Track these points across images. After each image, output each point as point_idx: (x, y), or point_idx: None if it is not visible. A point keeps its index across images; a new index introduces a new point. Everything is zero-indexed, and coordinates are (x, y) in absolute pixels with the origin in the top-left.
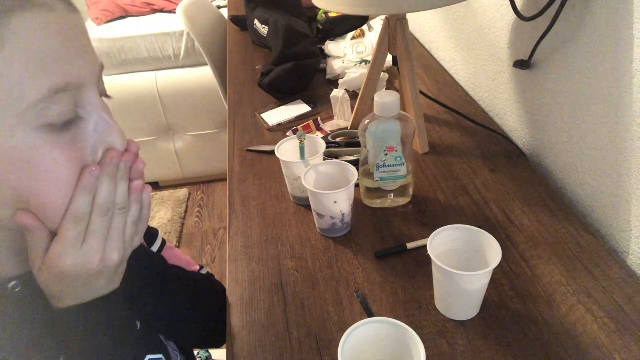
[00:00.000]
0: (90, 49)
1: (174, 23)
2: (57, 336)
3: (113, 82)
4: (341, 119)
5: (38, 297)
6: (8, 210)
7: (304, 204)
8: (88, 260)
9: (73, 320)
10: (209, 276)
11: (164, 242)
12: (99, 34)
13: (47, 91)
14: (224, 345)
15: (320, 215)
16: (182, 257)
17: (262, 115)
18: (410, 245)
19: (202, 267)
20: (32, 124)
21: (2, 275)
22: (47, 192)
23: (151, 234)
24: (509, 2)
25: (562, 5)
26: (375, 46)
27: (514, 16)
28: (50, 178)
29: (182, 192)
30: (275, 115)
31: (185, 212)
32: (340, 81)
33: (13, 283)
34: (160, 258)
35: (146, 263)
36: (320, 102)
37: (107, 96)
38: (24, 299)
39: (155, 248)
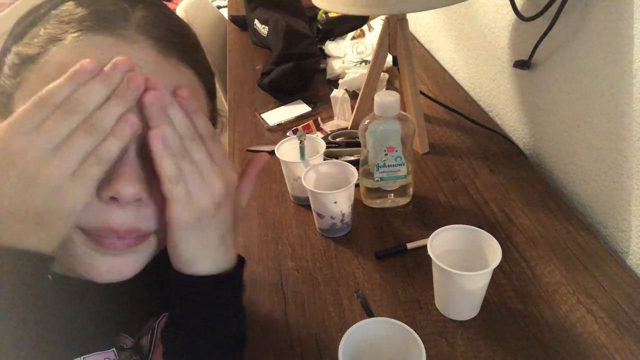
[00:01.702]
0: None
1: None
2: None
3: None
4: (341, 119)
5: (65, 294)
6: None
7: (304, 204)
8: (196, 202)
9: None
10: None
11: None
12: None
13: None
14: None
15: (320, 215)
16: None
17: (262, 115)
18: (410, 245)
19: None
20: None
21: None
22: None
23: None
24: (509, 2)
25: (562, 5)
26: (375, 46)
27: (514, 16)
28: None
29: None
30: (275, 115)
31: None
32: (340, 81)
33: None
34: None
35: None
36: (320, 102)
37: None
38: (53, 287)
39: None
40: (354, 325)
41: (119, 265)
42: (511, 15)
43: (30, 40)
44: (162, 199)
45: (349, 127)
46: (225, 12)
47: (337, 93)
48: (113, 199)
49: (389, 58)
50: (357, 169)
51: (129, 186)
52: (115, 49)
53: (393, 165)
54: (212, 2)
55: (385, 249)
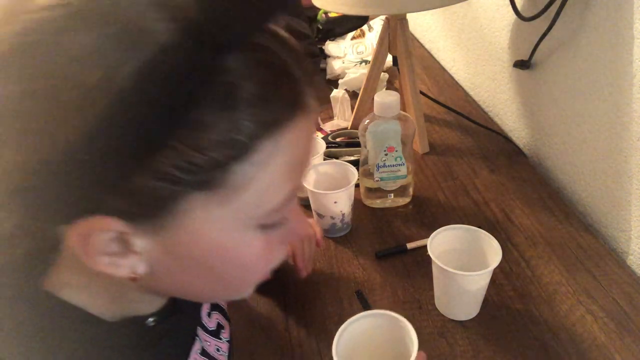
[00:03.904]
0: None
1: None
2: None
3: None
4: (341, 119)
5: (172, 332)
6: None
7: (304, 204)
8: None
9: None
10: None
11: None
12: None
13: (288, 195)
14: None
15: (320, 215)
16: None
17: None
18: (410, 245)
19: None
20: (255, 224)
21: (141, 312)
22: (230, 278)
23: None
24: (509, 2)
25: (562, 5)
26: (375, 46)
27: (514, 16)
28: (239, 266)
29: None
30: None
31: None
32: (340, 81)
33: (150, 319)
34: None
35: None
36: (320, 102)
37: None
38: (159, 333)
39: None
40: (347, 321)
41: None
42: (511, 15)
43: None
44: None
45: (349, 127)
46: None
47: (337, 93)
48: None
49: (389, 58)
50: (357, 169)
51: (309, 225)
52: (307, 129)
53: (393, 165)
54: None
55: (385, 249)
